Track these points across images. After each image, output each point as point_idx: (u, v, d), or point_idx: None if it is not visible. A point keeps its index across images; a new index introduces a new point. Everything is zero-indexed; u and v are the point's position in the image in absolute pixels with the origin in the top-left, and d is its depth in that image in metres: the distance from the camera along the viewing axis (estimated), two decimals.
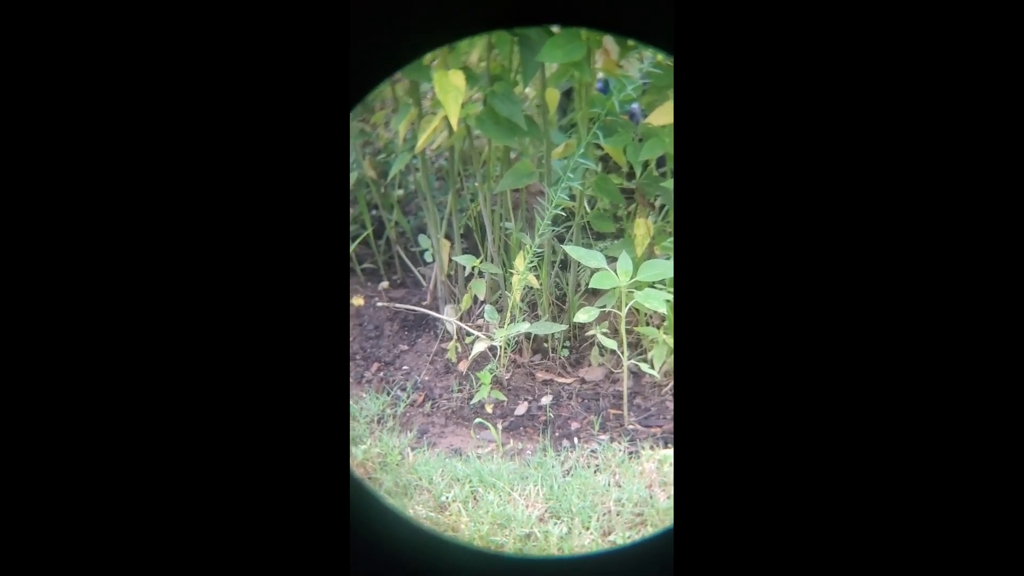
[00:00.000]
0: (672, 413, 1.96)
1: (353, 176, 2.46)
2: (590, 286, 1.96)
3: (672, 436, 1.88)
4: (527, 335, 2.14)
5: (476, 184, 2.23)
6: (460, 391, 2.08)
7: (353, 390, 2.10)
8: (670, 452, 1.81)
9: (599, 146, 2.03)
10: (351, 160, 2.41)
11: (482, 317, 2.16)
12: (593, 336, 2.08)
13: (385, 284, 2.52)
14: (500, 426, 1.96)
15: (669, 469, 1.76)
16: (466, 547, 1.45)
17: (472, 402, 2.03)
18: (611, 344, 2.00)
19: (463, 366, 2.14)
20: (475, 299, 2.21)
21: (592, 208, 2.20)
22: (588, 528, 1.63)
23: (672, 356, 2.01)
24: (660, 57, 1.94)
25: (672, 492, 1.68)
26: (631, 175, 2.20)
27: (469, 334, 2.15)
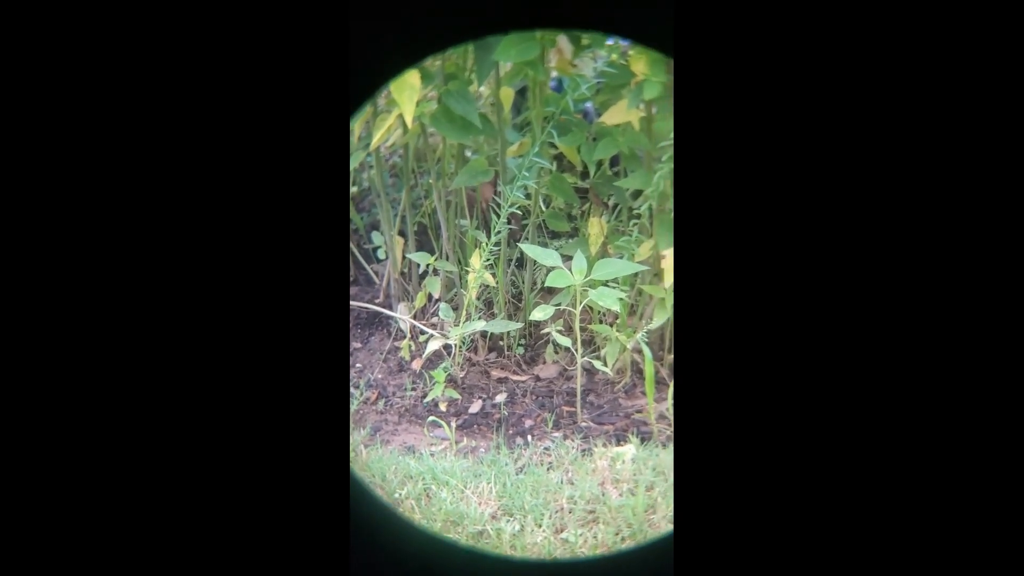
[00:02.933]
0: (624, 411, 1.98)
1: None
2: (546, 284, 1.97)
3: (624, 434, 1.90)
4: (482, 333, 2.14)
5: (430, 181, 2.23)
6: (414, 389, 2.07)
7: None
8: (622, 449, 1.83)
9: (553, 145, 2.04)
10: None
11: (436, 315, 2.16)
12: (548, 334, 2.09)
13: None
14: (454, 424, 1.96)
15: (621, 466, 1.78)
16: (466, 549, 1.45)
17: (425, 400, 2.03)
18: (565, 342, 2.00)
19: (417, 364, 2.14)
20: (430, 297, 2.21)
21: (547, 207, 2.21)
22: (540, 526, 1.63)
23: (624, 353, 2.03)
24: (614, 56, 1.96)
25: (624, 489, 1.70)
26: (585, 174, 2.21)
27: (423, 332, 2.15)
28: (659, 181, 1.87)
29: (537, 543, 1.59)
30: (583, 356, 2.00)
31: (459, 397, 2.03)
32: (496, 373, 2.12)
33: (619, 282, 1.96)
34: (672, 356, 2.07)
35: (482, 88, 2.14)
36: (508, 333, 2.15)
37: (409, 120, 1.84)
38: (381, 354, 2.18)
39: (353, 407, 2.02)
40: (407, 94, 1.80)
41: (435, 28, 0.97)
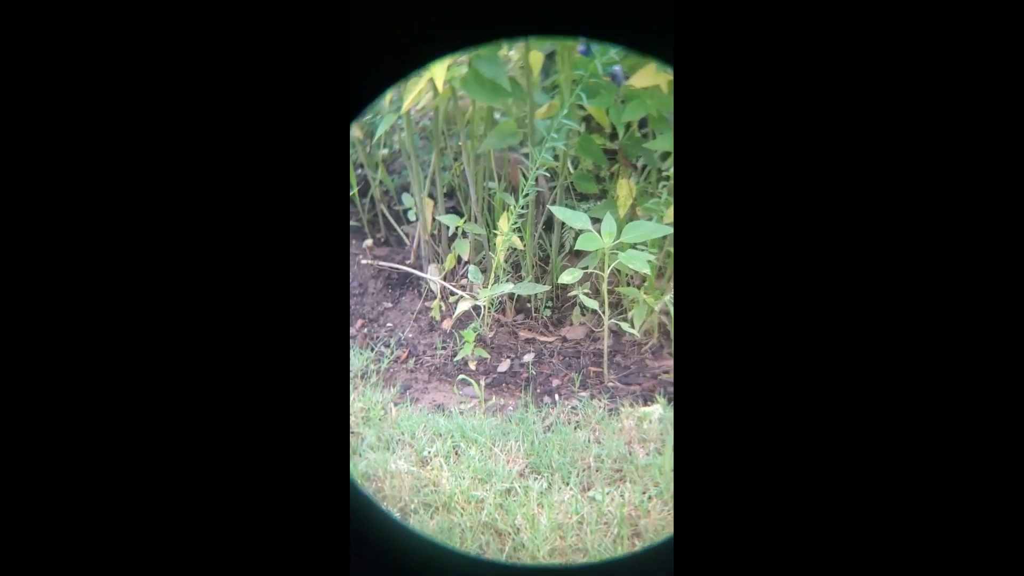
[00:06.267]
0: (651, 371, 2.00)
1: None
2: (576, 248, 1.99)
3: (650, 394, 1.92)
4: (510, 295, 2.17)
5: (459, 143, 2.24)
6: (444, 348, 2.10)
7: None
8: (649, 409, 1.85)
9: (582, 107, 2.05)
10: None
11: (466, 277, 2.18)
12: (575, 296, 2.11)
13: (369, 242, 2.53)
14: (483, 383, 1.99)
15: (648, 426, 1.80)
16: (465, 555, 1.46)
17: (455, 359, 2.06)
18: (592, 304, 2.02)
19: (447, 324, 2.16)
20: (459, 259, 2.24)
21: (575, 169, 2.22)
22: (568, 484, 1.66)
23: (652, 315, 2.05)
24: None
25: (650, 449, 1.73)
26: (614, 136, 2.22)
27: (453, 293, 2.18)
28: None
29: (564, 501, 1.62)
30: (610, 318, 2.02)
31: (488, 356, 2.06)
32: (524, 334, 2.14)
33: (647, 244, 1.97)
34: None
35: (511, 52, 2.14)
36: (536, 295, 2.18)
37: (440, 84, 1.85)
38: (412, 314, 2.21)
39: (383, 365, 2.06)
40: None
41: (434, 37, 0.97)
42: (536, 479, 1.68)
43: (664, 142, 1.98)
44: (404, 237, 2.50)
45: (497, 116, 2.24)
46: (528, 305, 2.20)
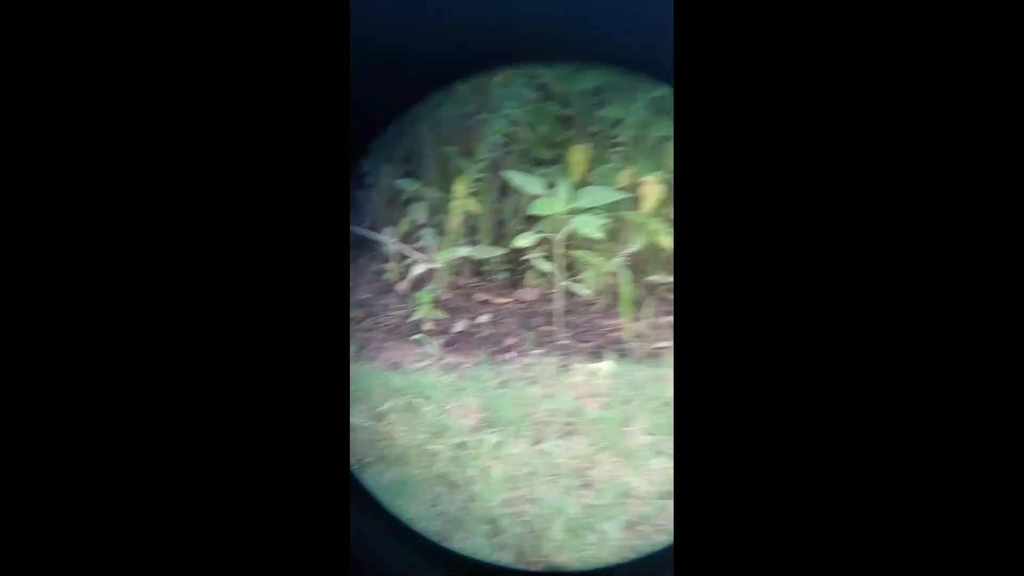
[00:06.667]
0: (602, 330, 2.05)
1: None
2: (529, 213, 2.02)
3: (601, 351, 1.96)
4: (466, 258, 2.20)
5: (417, 109, 2.26)
6: (400, 309, 2.13)
7: None
8: (599, 365, 1.90)
9: (537, 75, 2.08)
10: None
11: (422, 240, 2.21)
12: (530, 260, 2.14)
13: None
14: (438, 342, 2.03)
15: (598, 381, 1.85)
16: (463, 557, 1.45)
17: (411, 320, 2.09)
18: (547, 267, 2.07)
19: (403, 286, 2.19)
20: (414, 222, 2.26)
21: (531, 135, 2.25)
22: (520, 437, 1.70)
23: (603, 277, 2.09)
24: None
25: (601, 403, 1.77)
26: (568, 104, 2.25)
27: (409, 256, 2.20)
28: (638, 110, 1.92)
29: (516, 454, 1.67)
30: (564, 280, 2.06)
31: (444, 316, 2.09)
32: (479, 296, 2.18)
33: (601, 209, 2.01)
34: (648, 278, 2.13)
35: None
36: (491, 259, 2.21)
37: None
38: (368, 275, 2.24)
39: None
40: None
41: (434, 70, 0.99)
42: (490, 433, 1.72)
43: (615, 110, 2.02)
44: (361, 200, 2.51)
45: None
46: (484, 268, 2.24)
